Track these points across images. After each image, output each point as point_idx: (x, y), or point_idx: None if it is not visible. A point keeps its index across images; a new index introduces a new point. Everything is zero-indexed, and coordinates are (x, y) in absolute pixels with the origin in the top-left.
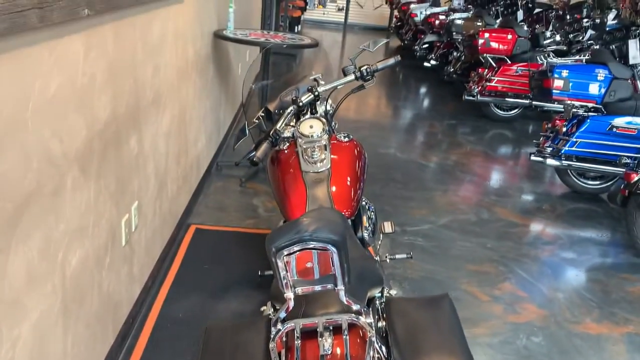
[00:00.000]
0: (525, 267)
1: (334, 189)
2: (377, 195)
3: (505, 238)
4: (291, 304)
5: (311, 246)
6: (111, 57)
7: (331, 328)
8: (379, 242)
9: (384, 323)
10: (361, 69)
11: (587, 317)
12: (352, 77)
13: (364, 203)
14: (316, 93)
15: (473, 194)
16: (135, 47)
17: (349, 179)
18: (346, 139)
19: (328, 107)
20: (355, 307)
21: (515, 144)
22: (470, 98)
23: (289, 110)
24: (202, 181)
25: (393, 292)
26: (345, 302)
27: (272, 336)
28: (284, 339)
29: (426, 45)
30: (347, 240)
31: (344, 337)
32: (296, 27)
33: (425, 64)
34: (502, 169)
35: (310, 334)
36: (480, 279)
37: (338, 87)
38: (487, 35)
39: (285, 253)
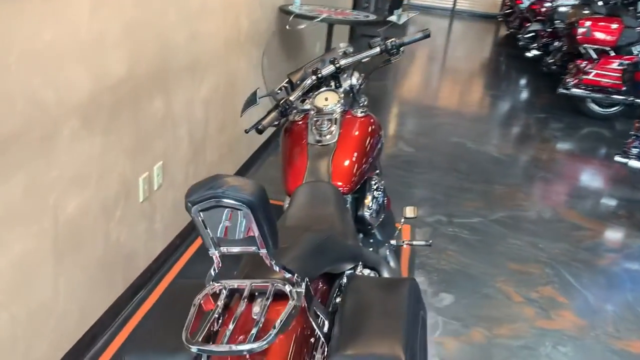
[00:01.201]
0: (576, 272)
1: (335, 162)
2: (433, 184)
3: (562, 240)
4: (215, 262)
5: (224, 204)
6: (129, 16)
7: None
8: (399, 226)
9: (339, 300)
10: (387, 42)
11: (633, 335)
12: (377, 50)
13: (373, 182)
14: (337, 65)
15: (542, 191)
16: (167, 11)
17: (354, 154)
18: (362, 114)
19: (354, 81)
20: (286, 274)
21: (608, 144)
22: (564, 91)
23: (306, 82)
24: (255, 154)
25: (366, 271)
26: (270, 266)
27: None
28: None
29: (531, 34)
30: (267, 204)
31: (264, 302)
32: (395, 12)
33: (527, 53)
34: (584, 169)
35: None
36: (520, 279)
37: (362, 60)
38: (588, 23)
39: (199, 208)
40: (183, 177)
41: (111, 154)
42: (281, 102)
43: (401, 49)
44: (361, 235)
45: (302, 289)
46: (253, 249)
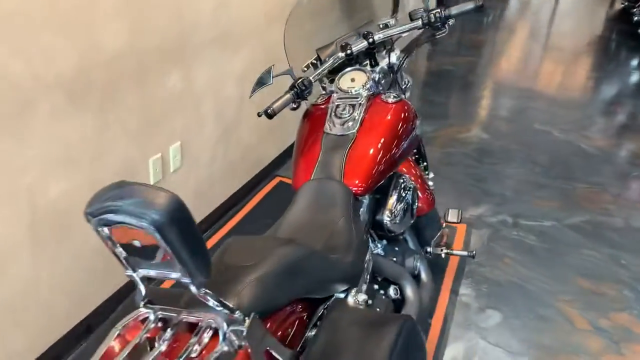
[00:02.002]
0: None
1: (351, 157)
2: (504, 177)
3: None
4: (139, 285)
5: (122, 220)
6: None
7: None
8: (438, 233)
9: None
10: (430, 13)
11: None
12: (418, 23)
13: (401, 180)
14: (370, 40)
15: (635, 194)
16: None
17: (376, 148)
18: (394, 100)
19: (394, 60)
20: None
21: None
22: None
23: (332, 59)
24: None
25: (361, 297)
26: (200, 298)
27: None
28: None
29: None
30: (185, 223)
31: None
32: None
33: None
34: None
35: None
36: (589, 300)
37: (402, 34)
38: None
39: (101, 222)
40: (209, 157)
41: (109, 134)
42: (297, 81)
43: (449, 22)
44: (384, 242)
45: (244, 328)
46: (174, 275)
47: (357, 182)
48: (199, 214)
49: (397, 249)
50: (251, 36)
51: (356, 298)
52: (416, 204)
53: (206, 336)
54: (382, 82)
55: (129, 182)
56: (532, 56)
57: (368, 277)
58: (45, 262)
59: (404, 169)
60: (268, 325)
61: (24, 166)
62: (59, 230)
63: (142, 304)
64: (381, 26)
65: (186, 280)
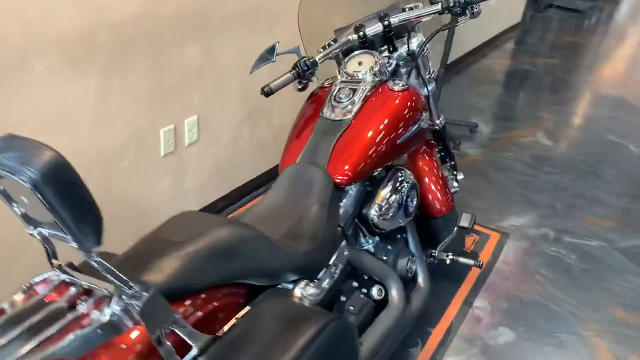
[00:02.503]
0: None
1: (340, 144)
2: (557, 188)
3: None
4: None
5: (6, 174)
6: None
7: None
8: (449, 237)
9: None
10: None
11: None
12: (437, 7)
13: (399, 174)
14: (386, 23)
15: None
16: None
17: (369, 136)
18: (400, 88)
19: (414, 46)
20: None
21: None
22: None
23: (342, 41)
24: None
25: (310, 290)
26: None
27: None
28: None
29: None
30: (66, 183)
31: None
32: None
33: None
34: None
35: None
36: (622, 333)
37: (420, 19)
38: None
39: None
40: (232, 136)
41: (114, 100)
42: (300, 61)
43: (475, 8)
44: (376, 239)
45: (140, 303)
46: (68, 238)
47: (341, 170)
48: (218, 191)
49: (389, 247)
50: (287, 13)
51: (304, 290)
52: (414, 202)
53: (93, 305)
54: (403, 70)
55: (18, 136)
56: (627, 63)
57: (337, 271)
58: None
59: (422, 165)
60: (186, 305)
61: (15, 124)
62: None
63: (53, 263)
64: (406, 9)
65: (74, 245)
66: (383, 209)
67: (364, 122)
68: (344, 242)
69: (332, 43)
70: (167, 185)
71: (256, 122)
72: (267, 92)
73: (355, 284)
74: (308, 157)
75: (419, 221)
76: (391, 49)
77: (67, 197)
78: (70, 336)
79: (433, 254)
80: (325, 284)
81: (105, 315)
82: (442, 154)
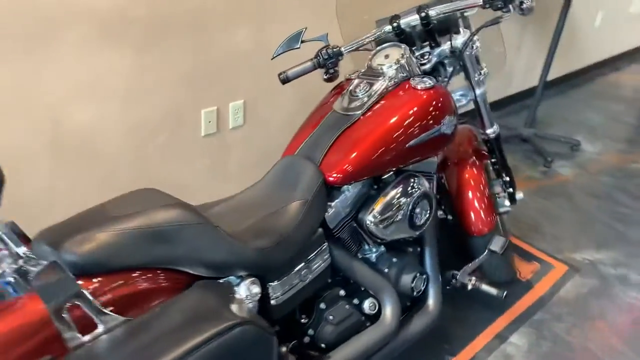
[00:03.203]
0: None
1: (341, 140)
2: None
3: None
4: None
5: None
6: None
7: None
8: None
9: None
10: None
11: None
12: (478, 0)
13: (410, 181)
14: (423, 15)
15: None
16: None
17: (374, 135)
18: (424, 86)
19: (458, 43)
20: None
21: None
22: None
23: (373, 32)
24: None
25: (255, 289)
26: None
27: None
28: None
29: None
30: None
31: None
32: None
33: None
34: None
35: None
36: None
37: (462, 12)
38: None
39: None
40: (282, 124)
41: (150, 75)
42: (322, 50)
43: (525, 3)
44: (382, 248)
45: (34, 270)
46: None
47: (335, 168)
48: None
49: (394, 260)
50: None
51: (248, 289)
52: (425, 214)
53: None
54: (450, 69)
55: None
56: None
57: (311, 275)
58: (63, 179)
59: (466, 176)
60: (99, 282)
61: (47, 86)
62: (80, 153)
63: None
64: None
65: None
66: (381, 216)
67: (372, 119)
68: (325, 245)
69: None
70: (206, 166)
71: (309, 110)
72: (283, 79)
73: (342, 292)
74: (306, 150)
75: (458, 237)
76: (432, 44)
77: None
78: None
79: (455, 275)
80: (289, 286)
81: None
82: (496, 167)
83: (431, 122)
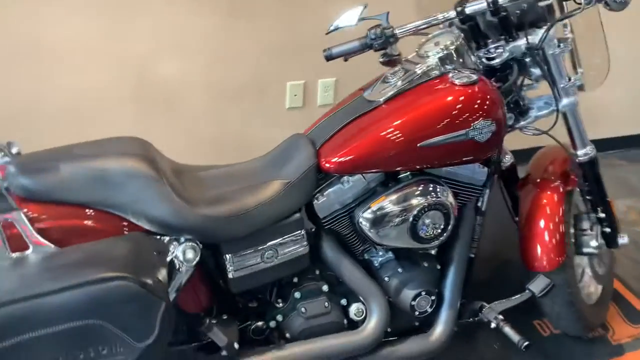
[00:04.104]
0: None
1: (349, 127)
2: None
3: None
4: None
5: None
6: None
7: None
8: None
9: None
10: None
11: None
12: None
13: (421, 187)
14: (490, 1)
15: None
16: None
17: (385, 126)
18: (462, 81)
19: (535, 39)
20: None
21: None
22: None
23: (435, 16)
24: None
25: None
26: None
27: None
28: None
29: None
30: None
31: None
32: None
33: None
34: None
35: None
36: None
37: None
38: None
39: None
40: None
41: (236, 42)
42: (371, 29)
43: None
44: (390, 255)
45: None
46: None
47: (332, 154)
48: None
49: (400, 270)
50: None
51: (184, 253)
52: (436, 229)
53: None
54: (535, 70)
55: None
56: None
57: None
58: (143, 124)
59: (541, 201)
60: (38, 207)
61: (136, 39)
62: (162, 104)
63: None
64: None
65: None
66: (375, 216)
67: (390, 110)
68: (301, 232)
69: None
70: (285, 135)
71: None
72: (327, 56)
73: (325, 288)
74: (316, 131)
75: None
76: (508, 39)
77: None
78: None
79: (483, 307)
80: (248, 264)
81: None
82: (589, 198)
83: (456, 123)
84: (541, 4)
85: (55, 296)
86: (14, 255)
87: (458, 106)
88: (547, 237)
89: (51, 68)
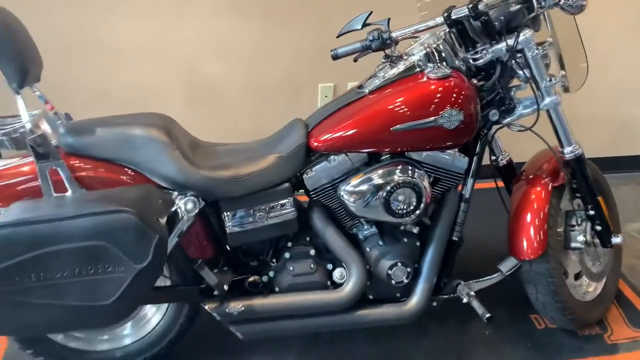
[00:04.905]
0: None
1: (339, 113)
2: None
3: None
4: None
5: None
6: None
7: None
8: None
9: None
10: None
11: None
12: None
13: (399, 168)
14: (471, 6)
15: None
16: None
17: (366, 113)
18: (436, 75)
19: (519, 42)
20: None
21: None
22: None
23: (424, 21)
24: None
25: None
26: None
27: None
28: None
29: None
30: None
31: None
32: None
33: None
34: None
35: None
36: None
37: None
38: None
39: None
40: None
41: (273, 46)
42: (371, 31)
43: None
44: (374, 229)
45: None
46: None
47: (320, 135)
48: None
49: (381, 243)
50: None
51: (185, 204)
52: (409, 205)
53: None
54: (522, 72)
55: None
56: None
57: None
58: (190, 115)
59: (527, 194)
60: (77, 159)
61: (185, 40)
62: (207, 94)
63: None
64: None
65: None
66: (355, 189)
67: (372, 99)
68: (289, 199)
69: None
70: None
71: None
72: (333, 56)
73: (312, 252)
74: (314, 116)
75: None
76: (492, 42)
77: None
78: None
79: (459, 284)
80: (243, 222)
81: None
82: (578, 195)
83: (426, 110)
84: (511, 9)
85: (75, 220)
86: (56, 195)
87: (429, 96)
88: (531, 228)
89: (116, 65)
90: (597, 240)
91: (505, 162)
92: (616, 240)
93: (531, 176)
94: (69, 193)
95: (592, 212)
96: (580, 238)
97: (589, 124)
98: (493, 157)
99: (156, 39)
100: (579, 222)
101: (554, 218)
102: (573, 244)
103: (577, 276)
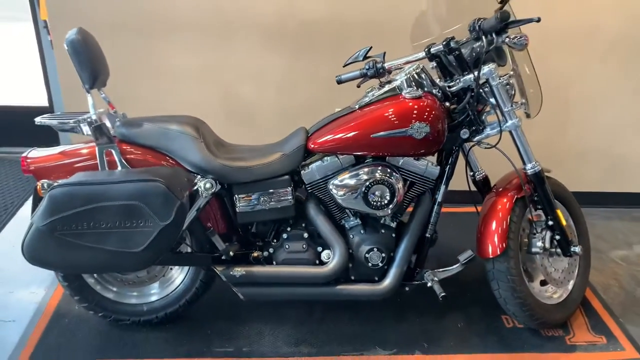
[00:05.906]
0: None
1: (334, 123)
2: None
3: None
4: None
5: None
6: None
7: None
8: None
9: None
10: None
11: None
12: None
13: (378, 169)
14: (444, 43)
15: None
16: None
17: (353, 123)
18: (410, 96)
19: (482, 75)
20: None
21: None
22: None
23: (409, 55)
24: None
25: (207, 184)
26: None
27: None
28: None
29: None
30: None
31: None
32: None
33: None
34: None
35: None
36: None
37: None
38: None
39: None
40: None
41: (296, 75)
42: (368, 61)
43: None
44: (358, 221)
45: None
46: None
47: (316, 139)
48: None
49: (362, 232)
50: None
51: (204, 183)
52: (383, 199)
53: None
54: (493, 99)
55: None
56: None
57: (269, 206)
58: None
59: (494, 202)
60: (128, 145)
61: (227, 68)
62: (241, 112)
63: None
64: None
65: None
66: (340, 184)
67: (360, 113)
68: (288, 189)
69: None
70: None
71: None
72: (338, 81)
73: (305, 235)
74: (314, 125)
75: None
76: (464, 72)
77: (81, 57)
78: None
79: (425, 272)
80: (249, 203)
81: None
82: (540, 207)
83: (398, 122)
84: (474, 46)
85: (119, 184)
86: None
87: (402, 111)
88: (494, 232)
89: (172, 86)
90: (559, 250)
91: (481, 177)
92: (575, 249)
93: (500, 189)
94: (118, 169)
95: (551, 223)
96: (539, 244)
97: (597, 159)
98: (471, 173)
99: (204, 67)
100: (539, 231)
101: (518, 225)
102: (533, 249)
103: (544, 283)
